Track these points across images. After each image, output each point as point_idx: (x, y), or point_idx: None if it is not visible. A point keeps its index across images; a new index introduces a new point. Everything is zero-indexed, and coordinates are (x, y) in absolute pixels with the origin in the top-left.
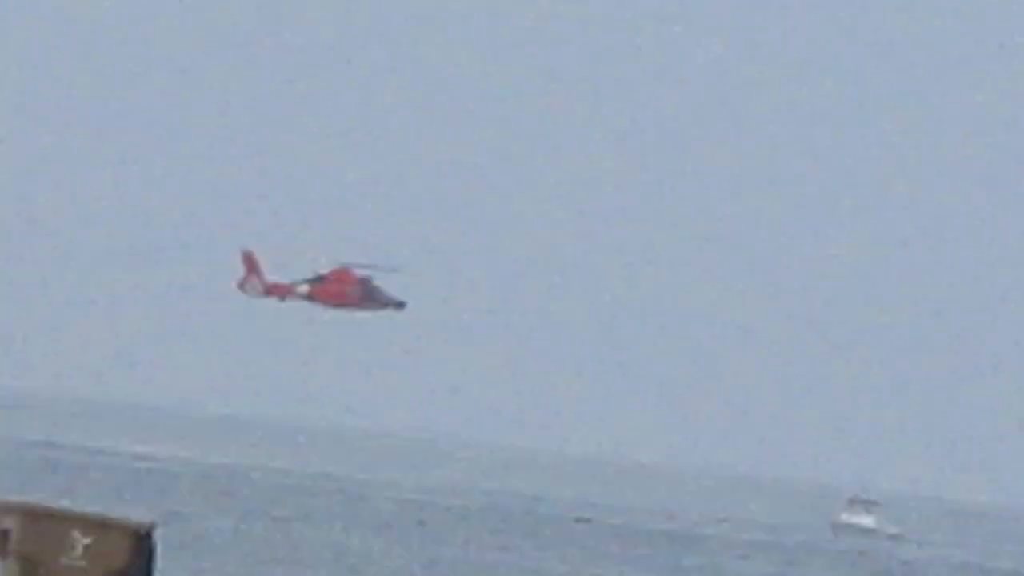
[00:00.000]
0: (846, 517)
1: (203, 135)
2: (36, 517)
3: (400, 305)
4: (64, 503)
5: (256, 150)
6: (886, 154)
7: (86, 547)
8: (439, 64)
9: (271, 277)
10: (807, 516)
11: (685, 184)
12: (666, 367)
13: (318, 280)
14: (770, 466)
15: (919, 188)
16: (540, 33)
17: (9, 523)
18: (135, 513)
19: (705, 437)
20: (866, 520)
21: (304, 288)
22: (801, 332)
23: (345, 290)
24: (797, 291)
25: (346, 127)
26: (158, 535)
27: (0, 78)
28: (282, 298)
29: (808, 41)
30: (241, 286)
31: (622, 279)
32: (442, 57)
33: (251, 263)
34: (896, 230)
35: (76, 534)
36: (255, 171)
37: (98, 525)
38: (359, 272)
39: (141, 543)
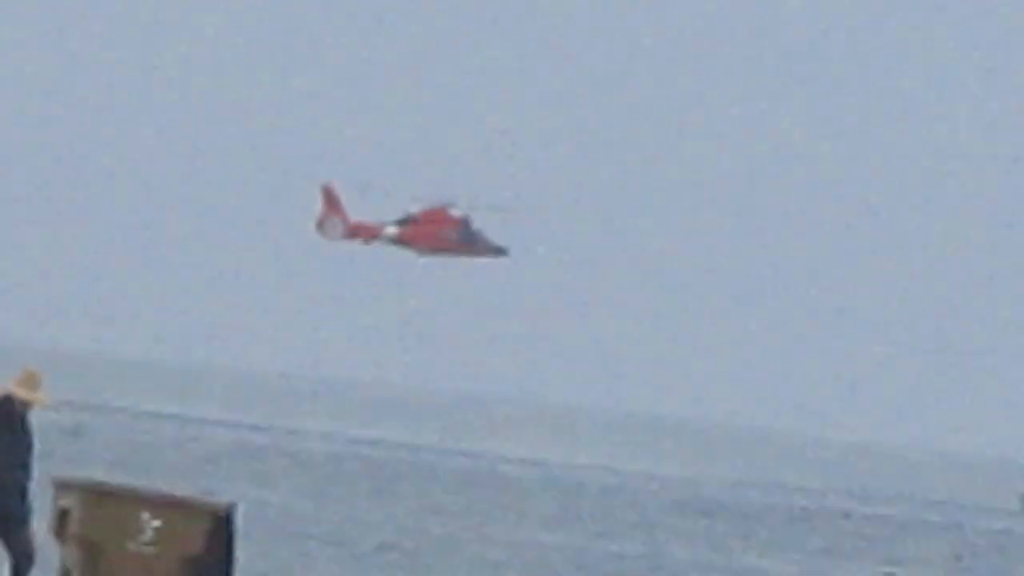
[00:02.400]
0: None
1: (275, 53)
2: (99, 496)
3: (502, 252)
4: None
5: (339, 71)
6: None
7: (156, 530)
8: None
9: (355, 216)
10: (991, 492)
11: None
12: (831, 337)
13: (409, 220)
14: (917, 438)
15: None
16: None
17: (69, 503)
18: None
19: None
20: None
21: (393, 230)
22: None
23: (440, 232)
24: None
25: (447, 45)
26: (239, 516)
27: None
28: (367, 241)
29: None
30: (320, 226)
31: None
32: None
33: (332, 199)
34: None
35: (145, 516)
36: (336, 96)
37: (171, 506)
38: (456, 212)
39: (220, 526)
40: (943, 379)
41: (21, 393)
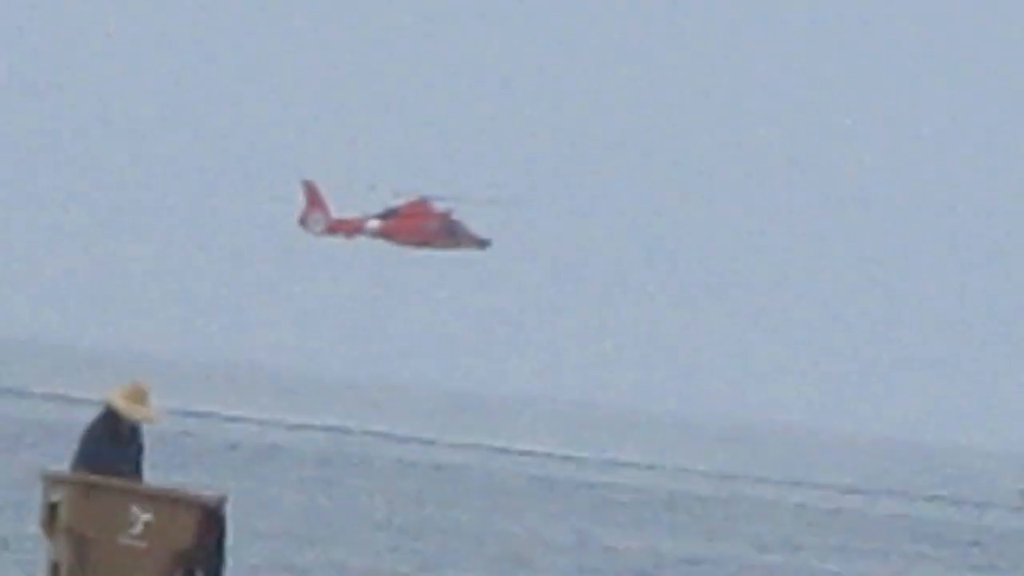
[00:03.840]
0: None
1: (256, 50)
2: (89, 490)
3: (484, 243)
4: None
5: (319, 69)
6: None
7: (147, 524)
8: None
9: (337, 211)
10: (990, 487)
11: None
12: (815, 326)
13: (391, 214)
14: (906, 430)
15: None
16: None
17: (59, 496)
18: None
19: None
20: None
21: (375, 223)
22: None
23: (423, 225)
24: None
25: (426, 40)
26: (229, 509)
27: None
28: (349, 235)
29: None
30: (302, 221)
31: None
32: None
33: (313, 195)
34: None
35: (135, 509)
36: (317, 94)
37: (161, 499)
38: (438, 205)
39: (211, 519)
40: (949, 376)
41: (124, 408)
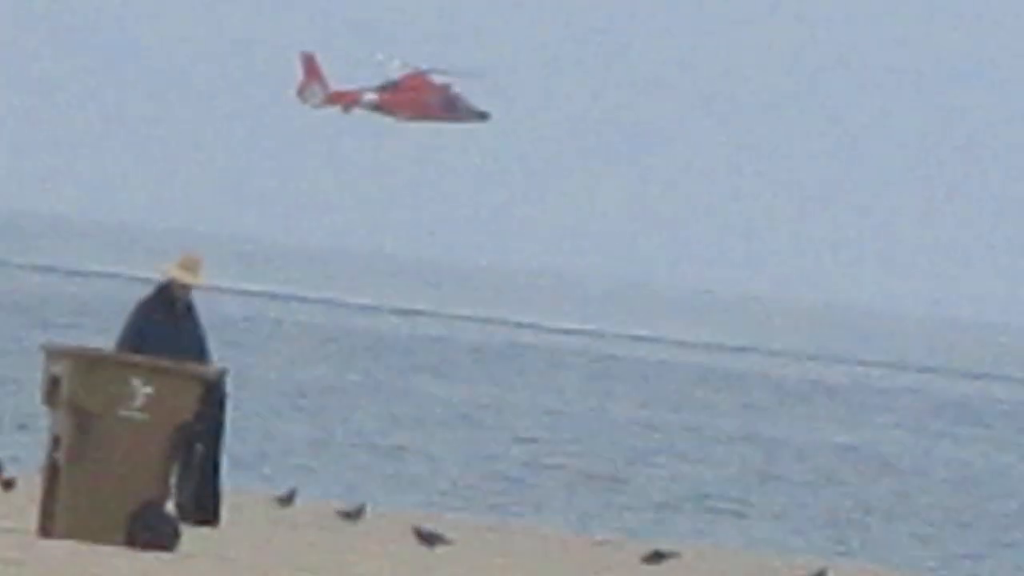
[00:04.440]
0: None
1: None
2: (91, 363)
3: (484, 116)
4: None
5: None
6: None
7: (148, 396)
8: None
9: (335, 83)
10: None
11: None
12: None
13: (390, 87)
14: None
15: None
16: None
17: (60, 370)
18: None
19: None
20: None
21: (373, 96)
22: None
23: (421, 98)
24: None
25: None
26: (229, 381)
27: None
28: (347, 107)
29: None
30: (300, 93)
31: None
32: None
33: (311, 66)
34: None
35: (136, 382)
36: None
37: (162, 372)
38: (437, 79)
39: (211, 392)
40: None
41: (180, 276)
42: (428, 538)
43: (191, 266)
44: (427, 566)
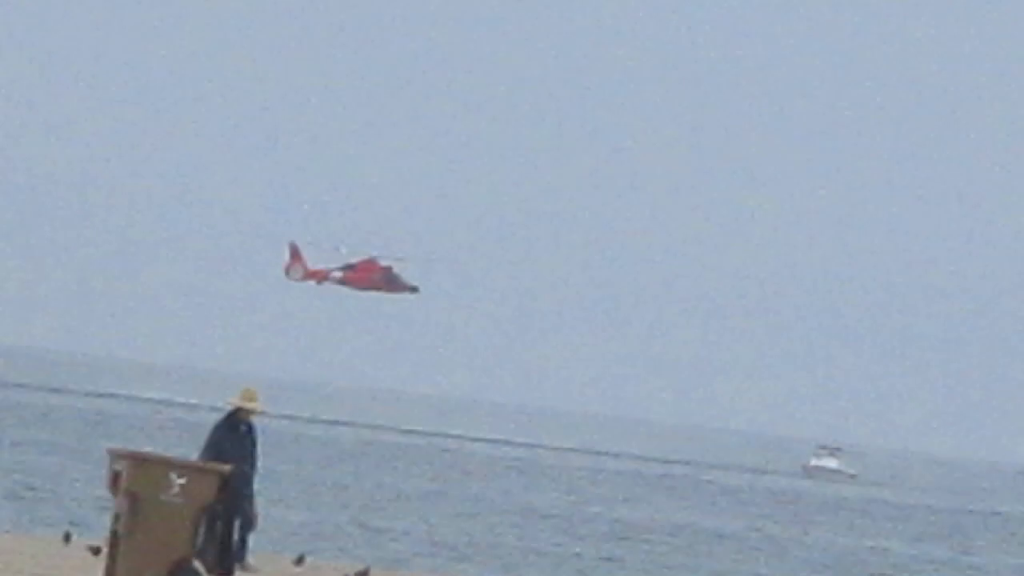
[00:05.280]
0: (815, 461)
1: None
2: (141, 462)
3: (415, 289)
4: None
5: (304, 159)
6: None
7: (181, 486)
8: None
9: (311, 265)
10: (783, 461)
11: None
12: (635, 322)
13: (349, 268)
14: (736, 419)
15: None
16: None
17: (120, 466)
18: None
19: (674, 392)
20: (830, 463)
21: (338, 274)
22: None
23: (371, 276)
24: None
25: (370, 138)
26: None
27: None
28: (319, 282)
29: None
30: (286, 271)
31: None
32: (452, 56)
33: (295, 252)
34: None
35: (173, 475)
36: (306, 180)
37: (191, 468)
38: (383, 262)
39: (225, 483)
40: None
41: (244, 404)
42: None
43: (251, 397)
44: None
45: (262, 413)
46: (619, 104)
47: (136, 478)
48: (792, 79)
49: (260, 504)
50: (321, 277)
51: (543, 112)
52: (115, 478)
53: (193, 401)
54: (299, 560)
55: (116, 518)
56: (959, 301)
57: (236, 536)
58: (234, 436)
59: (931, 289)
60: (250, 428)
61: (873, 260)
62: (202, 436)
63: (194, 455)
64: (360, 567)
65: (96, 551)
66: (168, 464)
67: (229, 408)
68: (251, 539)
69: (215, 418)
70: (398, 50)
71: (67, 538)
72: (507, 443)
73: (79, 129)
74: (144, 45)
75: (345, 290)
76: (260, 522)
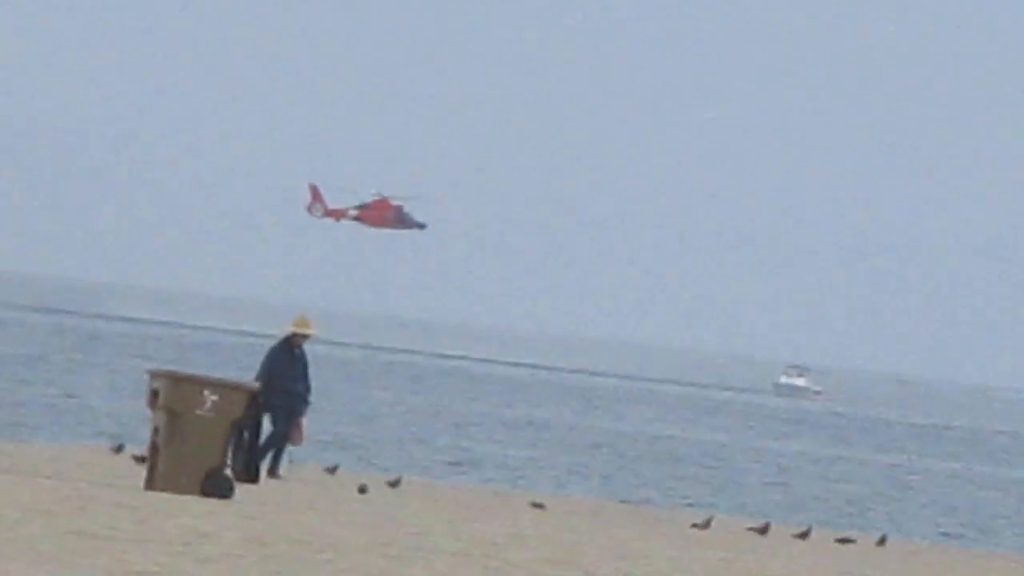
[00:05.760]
0: (784, 379)
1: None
2: (178, 380)
3: (423, 226)
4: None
5: (327, 106)
6: None
7: (214, 402)
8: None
9: (330, 204)
10: (753, 379)
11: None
12: (618, 243)
13: (364, 207)
14: (712, 340)
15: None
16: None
17: (158, 385)
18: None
19: (658, 315)
20: (799, 381)
21: (354, 212)
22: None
23: (383, 215)
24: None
25: (389, 87)
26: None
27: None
28: (337, 220)
29: None
30: (308, 209)
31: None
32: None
33: (316, 193)
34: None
35: (207, 393)
36: (329, 124)
37: (222, 386)
38: (394, 201)
39: (254, 400)
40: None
41: (299, 329)
42: None
43: (305, 323)
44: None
45: (313, 337)
46: (618, 33)
47: (173, 395)
48: None
49: (312, 421)
50: (339, 215)
51: (547, 45)
52: (154, 396)
53: (224, 326)
54: (332, 469)
55: (155, 431)
56: (926, 227)
57: (270, 448)
58: (289, 359)
59: (894, 218)
60: (302, 353)
61: (841, 185)
62: (237, 358)
63: (230, 375)
64: (392, 478)
65: (141, 459)
66: (202, 383)
67: (284, 334)
68: (290, 451)
69: (251, 342)
70: None
71: (119, 448)
72: (515, 364)
73: (100, 71)
74: None
75: (360, 227)
76: (306, 438)
